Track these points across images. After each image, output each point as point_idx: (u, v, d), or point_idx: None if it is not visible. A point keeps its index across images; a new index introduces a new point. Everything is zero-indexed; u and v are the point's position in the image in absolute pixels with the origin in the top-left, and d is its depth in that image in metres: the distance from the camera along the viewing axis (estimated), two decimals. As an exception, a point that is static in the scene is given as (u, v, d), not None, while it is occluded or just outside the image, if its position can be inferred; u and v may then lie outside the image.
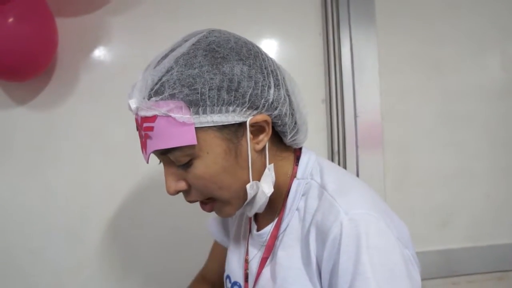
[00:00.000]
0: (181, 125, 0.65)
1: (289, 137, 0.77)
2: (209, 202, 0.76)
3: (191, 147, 0.67)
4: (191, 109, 0.65)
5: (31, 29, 1.13)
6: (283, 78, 0.75)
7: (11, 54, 1.11)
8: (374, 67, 1.40)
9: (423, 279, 1.42)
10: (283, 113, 0.73)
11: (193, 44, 0.68)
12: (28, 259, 1.29)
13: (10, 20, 1.09)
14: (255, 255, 0.83)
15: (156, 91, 0.65)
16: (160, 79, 0.65)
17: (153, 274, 1.36)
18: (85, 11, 1.31)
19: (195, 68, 0.65)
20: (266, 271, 0.78)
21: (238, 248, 0.91)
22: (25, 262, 1.29)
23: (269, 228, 0.80)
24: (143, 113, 0.67)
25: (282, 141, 0.79)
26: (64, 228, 1.30)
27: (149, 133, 0.67)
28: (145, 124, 0.67)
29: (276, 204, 0.80)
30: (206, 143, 0.67)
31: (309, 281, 0.69)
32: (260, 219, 0.85)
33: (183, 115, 0.65)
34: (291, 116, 0.75)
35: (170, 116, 0.65)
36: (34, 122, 1.29)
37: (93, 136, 1.32)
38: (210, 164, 0.68)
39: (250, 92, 0.67)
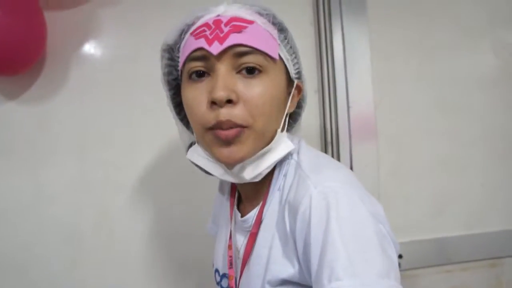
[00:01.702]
0: (272, 38, 0.74)
1: (296, 123, 0.86)
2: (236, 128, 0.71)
3: (271, 60, 0.73)
4: (281, 36, 0.76)
5: (19, 23, 1.11)
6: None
7: (-1, 48, 1.10)
8: (366, 56, 1.40)
9: (416, 268, 1.44)
10: (305, 95, 0.84)
11: None
12: (22, 255, 1.28)
13: (-2, 14, 1.07)
14: (243, 242, 0.82)
15: (259, 8, 0.76)
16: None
17: (152, 268, 1.35)
18: (73, 4, 1.29)
19: None
20: (252, 255, 0.77)
21: (225, 239, 0.91)
22: (19, 258, 1.28)
23: (254, 213, 0.80)
24: (241, 14, 0.73)
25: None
26: (58, 224, 1.29)
27: (241, 28, 0.70)
28: (234, 22, 0.71)
29: (262, 188, 0.80)
30: (276, 68, 0.74)
31: (287, 259, 0.69)
32: (243, 207, 0.87)
33: (275, 34, 0.75)
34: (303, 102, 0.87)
35: (266, 29, 0.73)
36: (25, 117, 1.28)
37: (85, 130, 1.31)
38: (273, 86, 0.73)
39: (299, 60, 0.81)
